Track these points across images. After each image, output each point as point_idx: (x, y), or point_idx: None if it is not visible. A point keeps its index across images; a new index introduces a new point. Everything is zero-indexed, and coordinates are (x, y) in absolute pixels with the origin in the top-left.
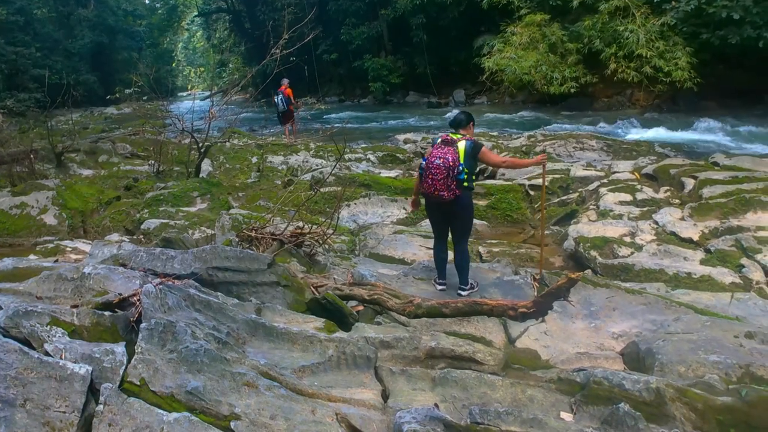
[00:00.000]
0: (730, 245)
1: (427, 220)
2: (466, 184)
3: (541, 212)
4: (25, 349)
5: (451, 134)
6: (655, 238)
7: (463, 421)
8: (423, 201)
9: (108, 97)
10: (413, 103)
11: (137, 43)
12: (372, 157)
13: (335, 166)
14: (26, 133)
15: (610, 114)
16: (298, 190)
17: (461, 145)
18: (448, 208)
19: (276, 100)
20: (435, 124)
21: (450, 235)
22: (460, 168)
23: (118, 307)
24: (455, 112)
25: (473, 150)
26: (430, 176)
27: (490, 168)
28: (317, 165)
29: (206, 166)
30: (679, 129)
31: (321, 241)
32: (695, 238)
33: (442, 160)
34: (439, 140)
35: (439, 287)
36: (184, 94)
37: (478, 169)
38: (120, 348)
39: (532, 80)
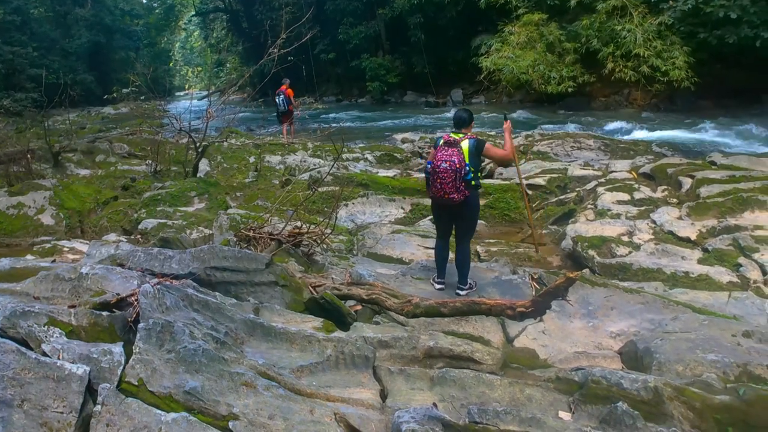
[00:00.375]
0: (727, 244)
1: (426, 220)
2: (474, 183)
3: (522, 188)
4: (23, 349)
5: (452, 134)
6: (652, 237)
7: (461, 420)
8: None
9: (105, 96)
10: (411, 103)
11: (134, 42)
12: (370, 157)
13: (333, 165)
14: (23, 133)
15: (607, 113)
16: (296, 189)
17: (464, 145)
18: (458, 209)
19: (277, 100)
20: (433, 124)
21: (453, 234)
22: (467, 168)
23: (115, 307)
24: (454, 110)
25: (477, 148)
26: (438, 180)
27: (489, 166)
28: (315, 165)
29: (204, 165)
30: (677, 128)
31: (319, 241)
32: (693, 237)
33: (448, 163)
34: (442, 141)
35: (438, 286)
36: (182, 93)
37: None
38: (118, 348)
39: (530, 80)
